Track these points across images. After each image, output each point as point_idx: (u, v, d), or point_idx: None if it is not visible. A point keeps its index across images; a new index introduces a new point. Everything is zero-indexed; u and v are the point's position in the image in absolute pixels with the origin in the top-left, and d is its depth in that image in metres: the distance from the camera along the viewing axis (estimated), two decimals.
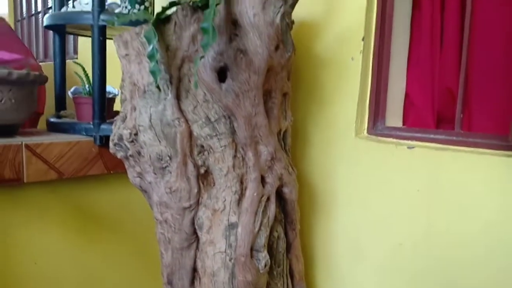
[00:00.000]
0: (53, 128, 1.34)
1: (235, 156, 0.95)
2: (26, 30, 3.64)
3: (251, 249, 0.96)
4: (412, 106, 1.17)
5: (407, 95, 1.18)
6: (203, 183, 0.97)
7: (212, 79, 0.87)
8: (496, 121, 1.01)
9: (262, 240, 0.97)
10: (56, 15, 1.28)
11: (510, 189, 0.86)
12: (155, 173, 0.97)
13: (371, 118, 1.12)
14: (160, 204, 0.98)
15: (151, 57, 0.80)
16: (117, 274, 1.37)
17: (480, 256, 0.91)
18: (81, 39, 2.47)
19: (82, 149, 1.21)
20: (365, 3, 1.07)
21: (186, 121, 0.91)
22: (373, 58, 1.10)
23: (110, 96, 1.35)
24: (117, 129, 1.00)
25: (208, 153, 0.95)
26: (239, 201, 0.96)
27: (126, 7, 1.25)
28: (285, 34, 0.92)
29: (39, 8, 3.42)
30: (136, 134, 0.95)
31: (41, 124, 1.99)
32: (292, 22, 0.97)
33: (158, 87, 0.85)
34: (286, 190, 1.04)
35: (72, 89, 1.38)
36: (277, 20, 0.86)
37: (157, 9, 1.34)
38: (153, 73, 0.81)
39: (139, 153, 0.98)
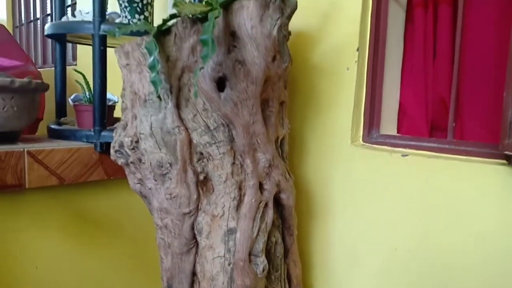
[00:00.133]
0: (54, 134, 1.36)
1: (233, 163, 0.98)
2: (25, 36, 3.66)
3: (250, 254, 0.98)
4: (406, 114, 1.20)
5: (401, 104, 1.21)
6: (202, 190, 0.99)
7: (211, 89, 0.90)
8: (489, 129, 1.04)
9: (260, 245, 0.99)
10: (57, 25, 1.30)
11: (501, 196, 0.88)
12: (155, 180, 0.99)
13: (366, 126, 1.15)
14: (160, 210, 1.00)
15: (152, 68, 0.82)
16: (117, 279, 1.39)
17: (474, 264, 0.93)
18: (80, 45, 2.49)
19: (83, 155, 1.23)
20: (360, 15, 1.10)
21: (186, 129, 0.94)
22: (367, 68, 1.13)
23: (110, 103, 1.37)
24: (118, 137, 1.02)
25: (207, 160, 0.97)
26: (238, 207, 0.98)
27: (126, 17, 1.27)
28: (282, 45, 0.95)
29: (38, 15, 3.44)
30: (137, 142, 0.98)
31: (41, 129, 2.01)
32: (289, 33, 1.00)
33: (159, 96, 0.87)
34: (283, 196, 1.06)
35: (72, 96, 1.40)
36: (274, 32, 0.89)
37: (156, 17, 1.37)
38: (154, 83, 0.83)
39: (139, 160, 1.00)
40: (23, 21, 3.70)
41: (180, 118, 0.93)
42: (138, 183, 1.05)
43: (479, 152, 0.94)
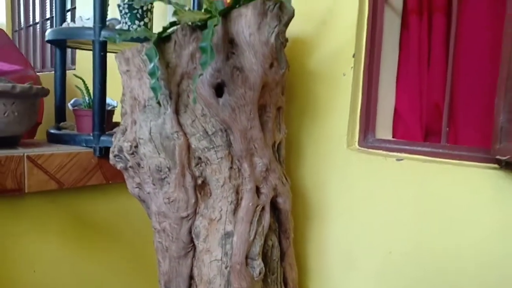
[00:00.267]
0: (53, 139, 1.37)
1: (231, 168, 0.99)
2: (24, 40, 3.68)
3: (246, 257, 0.99)
4: (401, 119, 1.21)
5: (396, 109, 1.22)
6: (200, 194, 1.01)
7: (210, 95, 0.92)
8: (483, 133, 1.05)
9: (257, 248, 1.01)
10: (58, 31, 1.32)
11: (493, 199, 0.90)
12: (154, 184, 1.01)
13: (362, 131, 1.17)
14: (159, 214, 1.02)
15: (152, 74, 0.84)
16: (115, 283, 1.40)
17: (468, 268, 0.94)
18: (79, 50, 2.50)
19: (82, 160, 1.25)
20: (356, 22, 1.12)
21: (185, 134, 0.95)
22: (363, 74, 1.15)
23: (109, 108, 1.38)
24: (117, 141, 1.04)
25: (205, 165, 0.99)
26: (235, 211, 0.99)
27: (126, 23, 1.29)
28: (279, 52, 0.96)
29: (37, 19, 3.46)
30: (136, 147, 0.99)
31: (39, 133, 2.02)
32: (286, 40, 1.02)
33: (158, 102, 0.89)
34: (280, 200, 1.08)
35: (72, 101, 1.41)
36: (272, 39, 0.91)
37: (156, 23, 1.39)
38: (154, 89, 0.85)
39: (138, 164, 1.02)
40: (22, 25, 3.71)
41: (179, 124, 0.95)
42: (136, 187, 1.06)
43: (471, 156, 0.96)
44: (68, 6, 2.78)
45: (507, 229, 0.88)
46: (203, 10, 0.90)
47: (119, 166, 1.05)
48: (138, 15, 1.28)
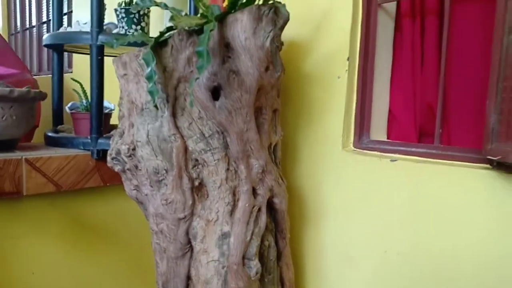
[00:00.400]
0: (51, 142, 1.38)
1: (228, 169, 1.01)
2: (20, 43, 3.68)
3: (243, 258, 1.01)
4: (395, 121, 1.23)
5: (390, 111, 1.24)
6: (197, 195, 1.02)
7: (207, 98, 0.93)
8: (475, 134, 1.07)
9: (254, 248, 1.02)
10: (55, 35, 1.33)
11: (486, 199, 0.91)
12: (151, 186, 1.02)
13: (356, 132, 1.18)
14: (156, 215, 1.03)
15: (149, 78, 0.85)
16: (114, 284, 1.40)
17: (465, 268, 0.95)
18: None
19: (80, 162, 1.26)
20: (350, 25, 1.14)
21: (182, 136, 0.96)
22: (358, 76, 1.17)
23: (107, 111, 1.39)
24: (115, 144, 1.05)
25: (202, 167, 1.00)
26: (232, 212, 1.01)
27: (123, 28, 1.30)
28: (274, 56, 0.98)
29: (34, 22, 3.47)
30: (134, 149, 1.00)
31: (37, 136, 2.02)
32: (282, 43, 1.03)
33: (156, 106, 0.90)
34: (276, 200, 1.09)
35: (69, 104, 1.42)
36: (267, 43, 0.92)
37: (152, 27, 1.40)
38: (151, 93, 0.86)
39: (136, 167, 1.03)
40: (18, 29, 3.72)
41: (176, 126, 0.96)
42: (134, 190, 1.07)
43: (464, 157, 0.97)
44: (65, 10, 2.79)
45: (501, 229, 0.89)
46: (199, 15, 0.91)
47: (117, 168, 1.06)
48: (135, 20, 1.30)
